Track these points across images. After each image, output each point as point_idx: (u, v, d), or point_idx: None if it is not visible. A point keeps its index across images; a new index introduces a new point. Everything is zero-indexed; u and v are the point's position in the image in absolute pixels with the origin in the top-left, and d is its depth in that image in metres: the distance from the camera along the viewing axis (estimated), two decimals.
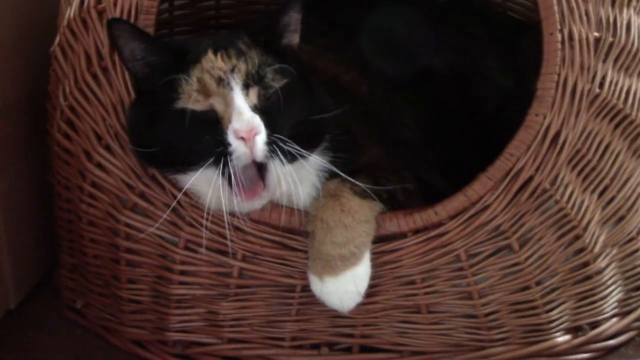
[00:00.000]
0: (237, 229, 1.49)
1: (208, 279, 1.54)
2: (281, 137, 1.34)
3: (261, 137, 1.33)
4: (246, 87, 1.34)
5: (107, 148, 1.53)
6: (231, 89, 1.34)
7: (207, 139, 1.34)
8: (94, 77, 1.53)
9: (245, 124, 1.32)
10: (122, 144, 1.50)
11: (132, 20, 1.48)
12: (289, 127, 1.37)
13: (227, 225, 1.41)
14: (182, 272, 1.54)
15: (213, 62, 1.36)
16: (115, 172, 1.53)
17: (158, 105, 1.37)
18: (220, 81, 1.34)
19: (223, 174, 1.34)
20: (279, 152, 1.34)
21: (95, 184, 1.56)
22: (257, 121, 1.33)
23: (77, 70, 1.55)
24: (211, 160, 1.34)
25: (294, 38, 1.43)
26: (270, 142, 1.34)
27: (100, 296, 1.66)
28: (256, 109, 1.35)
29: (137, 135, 1.44)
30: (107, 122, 1.51)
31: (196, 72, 1.35)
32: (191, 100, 1.34)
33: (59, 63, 1.60)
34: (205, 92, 1.34)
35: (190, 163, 1.37)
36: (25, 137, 1.76)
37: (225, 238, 1.49)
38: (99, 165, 1.54)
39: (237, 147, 1.33)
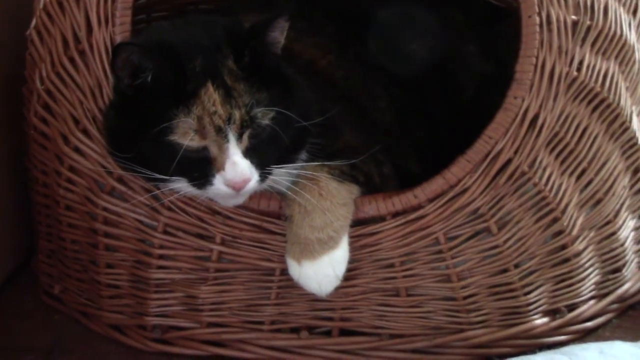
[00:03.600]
0: (216, 212, 1.49)
1: (187, 262, 1.53)
2: (270, 169, 1.37)
3: (252, 183, 1.35)
4: (240, 135, 1.34)
5: (85, 132, 1.52)
6: (227, 141, 1.33)
7: (194, 175, 1.35)
8: (71, 60, 1.52)
9: (239, 175, 1.33)
10: (99, 128, 1.49)
11: (109, 3, 1.48)
12: (278, 153, 1.39)
13: None
14: (161, 256, 1.54)
15: (215, 104, 1.33)
16: (93, 156, 1.52)
17: (146, 125, 1.34)
18: (219, 130, 1.33)
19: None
20: (267, 179, 1.38)
21: (72, 168, 1.55)
22: (249, 171, 1.34)
23: (53, 54, 1.55)
24: (192, 183, 1.36)
25: (280, 46, 1.40)
26: (260, 178, 1.36)
27: (78, 281, 1.65)
28: (247, 151, 1.35)
29: (115, 142, 1.42)
30: (84, 105, 1.51)
31: (197, 110, 1.33)
32: (188, 138, 1.33)
33: (35, 46, 1.59)
34: (202, 134, 1.33)
35: (170, 181, 1.37)
36: (0, 121, 1.75)
37: (204, 222, 1.49)
38: (77, 149, 1.53)
39: (224, 190, 1.34)
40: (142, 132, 1.35)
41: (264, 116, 1.35)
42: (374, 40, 1.73)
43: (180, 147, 1.32)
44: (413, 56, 1.76)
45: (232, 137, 1.33)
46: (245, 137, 1.34)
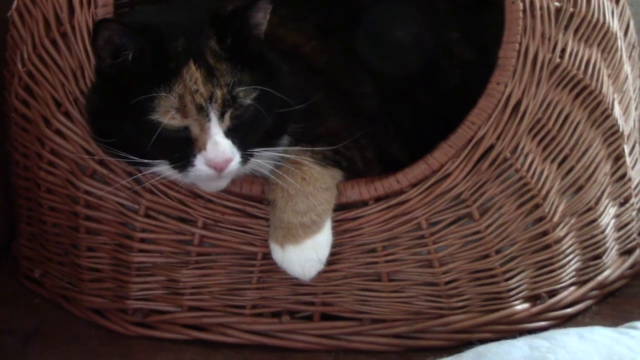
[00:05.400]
0: (197, 196, 1.49)
1: (169, 246, 1.53)
2: (252, 151, 1.37)
3: (234, 164, 1.34)
4: (222, 115, 1.34)
5: (66, 114, 1.51)
6: (209, 120, 1.33)
7: (175, 156, 1.35)
8: (53, 42, 1.52)
9: (221, 155, 1.33)
10: (81, 111, 1.48)
11: None
12: (260, 135, 1.39)
13: None
14: (143, 240, 1.53)
15: (196, 83, 1.33)
16: (75, 139, 1.51)
17: (128, 106, 1.33)
18: (200, 109, 1.33)
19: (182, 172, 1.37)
20: (248, 161, 1.37)
21: (54, 151, 1.55)
22: (231, 151, 1.33)
23: (35, 36, 1.54)
24: (173, 165, 1.36)
25: (262, 29, 1.40)
26: (242, 160, 1.35)
27: (59, 265, 1.65)
28: (229, 131, 1.35)
29: (98, 126, 1.41)
30: (66, 88, 1.50)
31: (178, 88, 1.33)
32: (169, 117, 1.32)
33: (17, 28, 1.58)
34: (183, 113, 1.33)
35: (151, 165, 1.37)
36: None
37: (186, 205, 1.49)
38: (58, 132, 1.53)
39: (206, 171, 1.34)
40: (123, 113, 1.34)
41: (246, 96, 1.35)
42: (358, 27, 1.73)
43: (161, 126, 1.32)
44: (397, 43, 1.76)
45: (213, 116, 1.33)
46: (227, 116, 1.34)
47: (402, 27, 1.76)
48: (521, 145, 1.49)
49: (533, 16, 1.47)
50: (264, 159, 1.43)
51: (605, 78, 1.58)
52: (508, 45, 1.46)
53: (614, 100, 1.60)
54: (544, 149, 1.52)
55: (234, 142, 1.34)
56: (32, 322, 1.63)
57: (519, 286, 1.57)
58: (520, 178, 1.51)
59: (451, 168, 1.47)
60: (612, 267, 1.69)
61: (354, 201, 1.49)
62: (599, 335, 1.35)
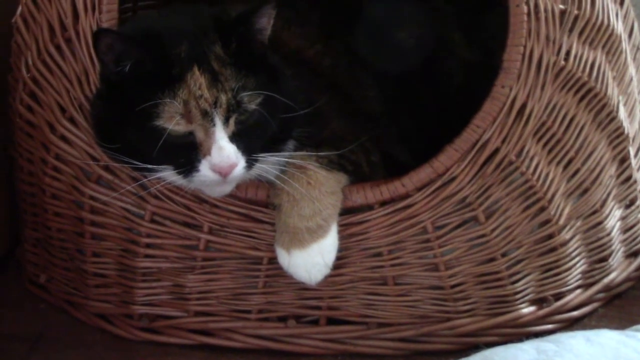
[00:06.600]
0: (203, 201, 1.48)
1: (174, 251, 1.53)
2: (257, 156, 1.37)
3: (239, 169, 1.34)
4: (227, 119, 1.34)
5: (71, 120, 1.51)
6: (214, 125, 1.33)
7: (180, 161, 1.35)
8: (57, 48, 1.52)
9: (225, 160, 1.33)
10: (86, 116, 1.48)
11: None
12: (265, 140, 1.39)
13: None
14: (148, 245, 1.53)
15: (201, 88, 1.33)
16: (80, 145, 1.51)
17: (132, 112, 1.33)
18: (205, 114, 1.33)
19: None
20: (253, 166, 1.37)
21: (59, 157, 1.55)
22: (235, 156, 1.33)
23: (39, 42, 1.54)
24: (178, 171, 1.35)
25: (267, 34, 1.40)
26: (247, 165, 1.35)
27: (65, 270, 1.65)
28: (234, 136, 1.35)
29: (102, 132, 1.41)
30: (71, 93, 1.50)
31: (183, 94, 1.33)
32: (173, 122, 1.32)
33: (21, 34, 1.59)
34: (188, 118, 1.33)
35: (156, 170, 1.37)
36: None
37: (191, 210, 1.49)
38: (63, 138, 1.53)
39: (210, 176, 1.34)
40: (128, 119, 1.34)
41: (251, 101, 1.35)
42: (361, 29, 1.73)
43: (166, 131, 1.32)
44: (400, 45, 1.76)
45: (218, 121, 1.33)
46: (231, 121, 1.34)
47: (404, 29, 1.76)
48: (526, 148, 1.49)
49: (537, 19, 1.46)
50: (269, 164, 1.43)
51: (610, 80, 1.57)
52: (513, 48, 1.46)
53: (619, 102, 1.60)
54: (549, 151, 1.52)
55: (238, 147, 1.34)
56: (37, 328, 1.64)
57: (525, 289, 1.57)
58: (526, 181, 1.50)
59: (456, 171, 1.47)
60: (618, 270, 1.69)
61: (359, 205, 1.49)
62: (606, 338, 1.35)
